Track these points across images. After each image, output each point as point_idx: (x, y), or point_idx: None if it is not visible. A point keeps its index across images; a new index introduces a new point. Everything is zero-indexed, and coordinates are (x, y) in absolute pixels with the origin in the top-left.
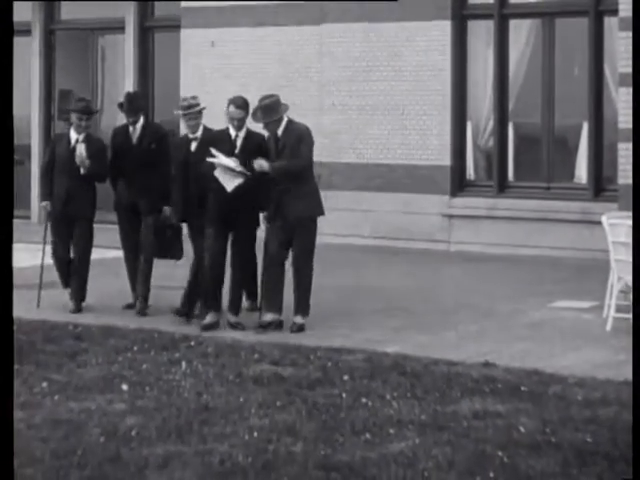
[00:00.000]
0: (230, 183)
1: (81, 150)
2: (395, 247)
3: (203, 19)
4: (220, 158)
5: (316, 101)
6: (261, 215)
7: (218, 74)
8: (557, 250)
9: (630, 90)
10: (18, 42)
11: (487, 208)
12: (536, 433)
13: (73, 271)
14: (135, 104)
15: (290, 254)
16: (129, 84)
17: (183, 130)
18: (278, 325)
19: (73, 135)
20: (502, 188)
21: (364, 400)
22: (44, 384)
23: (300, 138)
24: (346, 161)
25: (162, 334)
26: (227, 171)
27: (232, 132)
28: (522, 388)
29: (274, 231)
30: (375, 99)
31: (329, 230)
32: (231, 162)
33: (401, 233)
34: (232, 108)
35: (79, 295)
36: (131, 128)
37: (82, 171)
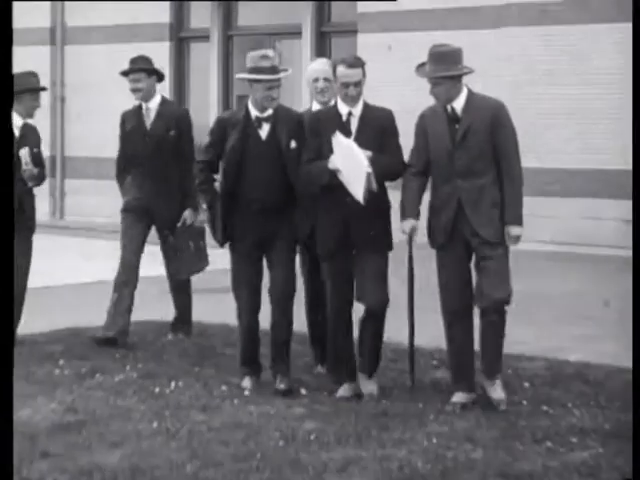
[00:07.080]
0: (360, 188)
1: (26, 158)
2: (576, 253)
3: (379, 24)
4: (347, 144)
5: None
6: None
7: (395, 78)
8: None
9: None
10: (197, 48)
11: None
12: None
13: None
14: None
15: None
16: (306, 88)
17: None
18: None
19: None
20: None
21: (545, 408)
22: (223, 387)
23: (498, 119)
24: (526, 166)
25: None
26: (354, 163)
27: (342, 109)
28: None
29: (447, 262)
30: (555, 102)
31: None
32: (359, 150)
33: (582, 239)
34: (342, 68)
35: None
36: (144, 108)
37: (30, 183)
